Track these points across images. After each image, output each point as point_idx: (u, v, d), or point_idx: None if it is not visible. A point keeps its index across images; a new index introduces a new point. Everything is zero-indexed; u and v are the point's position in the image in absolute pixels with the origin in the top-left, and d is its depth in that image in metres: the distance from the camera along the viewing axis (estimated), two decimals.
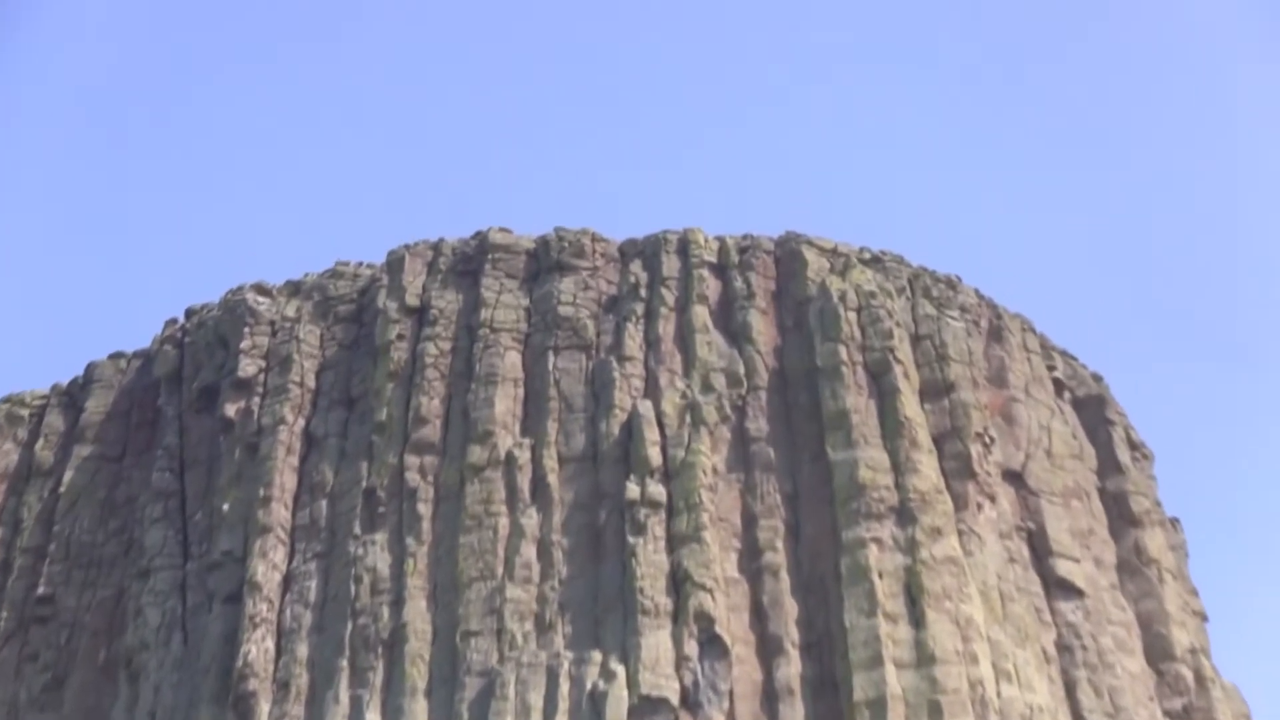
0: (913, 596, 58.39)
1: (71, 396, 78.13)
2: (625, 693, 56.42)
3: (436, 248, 74.08)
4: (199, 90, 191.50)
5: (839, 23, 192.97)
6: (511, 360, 67.97)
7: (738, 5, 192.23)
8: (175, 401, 74.05)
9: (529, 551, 61.51)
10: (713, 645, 58.06)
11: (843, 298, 67.48)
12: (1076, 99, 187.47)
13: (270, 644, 61.61)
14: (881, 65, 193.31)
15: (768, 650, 58.85)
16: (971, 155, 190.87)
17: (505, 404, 66.35)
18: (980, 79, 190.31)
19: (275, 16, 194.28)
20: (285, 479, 66.56)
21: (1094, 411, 74.94)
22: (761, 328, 68.23)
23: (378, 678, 59.45)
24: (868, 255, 73.07)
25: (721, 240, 72.41)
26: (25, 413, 77.43)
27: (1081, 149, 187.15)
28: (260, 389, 70.44)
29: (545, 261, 71.81)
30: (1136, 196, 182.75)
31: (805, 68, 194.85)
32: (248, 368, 70.97)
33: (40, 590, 69.39)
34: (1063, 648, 63.12)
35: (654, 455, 63.08)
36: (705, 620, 58.26)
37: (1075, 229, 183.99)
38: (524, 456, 64.23)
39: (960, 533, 61.43)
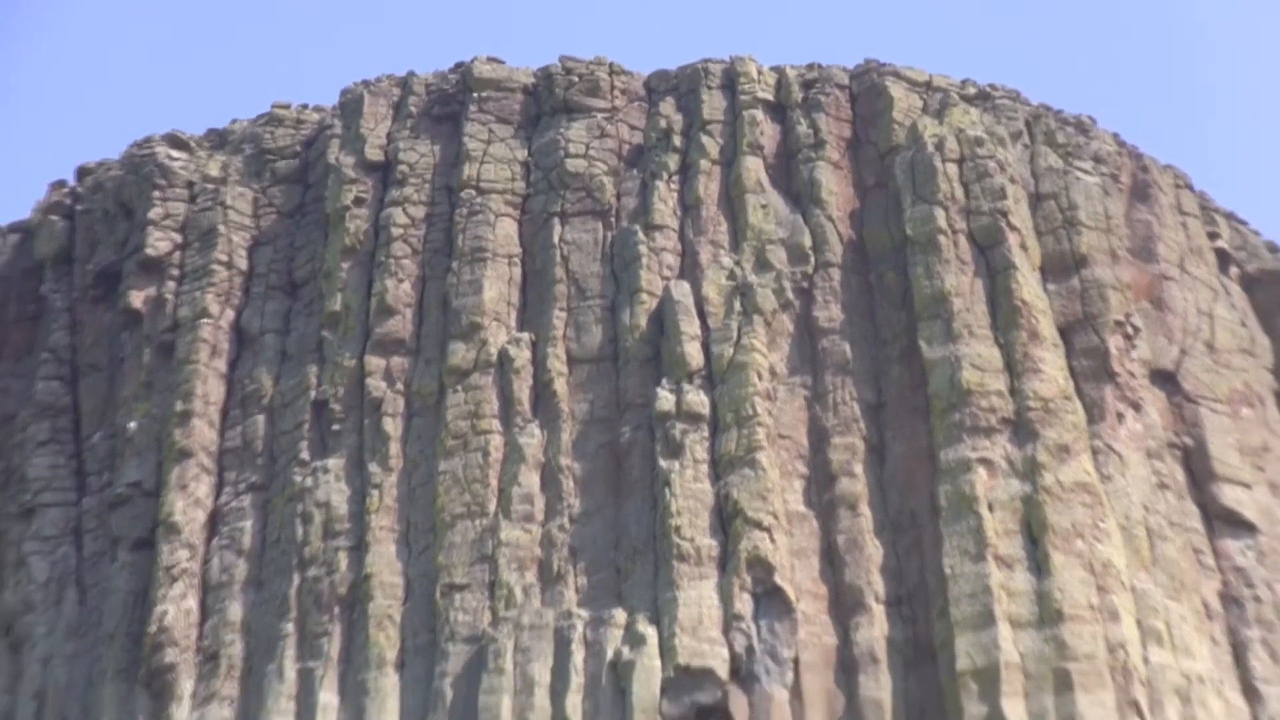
0: (1033, 535, 57.82)
1: None
2: (657, 662, 56.19)
3: (405, 85, 73.58)
4: None
5: None
6: (505, 230, 67.62)
7: None
8: (64, 288, 73.55)
9: (530, 480, 61.22)
10: (772, 600, 57.70)
11: (940, 146, 66.70)
12: None
13: (192, 603, 61.50)
14: None
15: (843, 607, 58.53)
16: None
17: (497, 288, 65.99)
18: None
19: None
20: (209, 388, 66.22)
21: (1270, 292, 74.23)
22: (834, 186, 67.60)
23: (333, 645, 59.35)
24: (973, 90, 72.39)
25: (780, 72, 71.71)
26: None
27: None
28: (175, 272, 69.90)
29: (548, 101, 71.28)
30: None
31: None
32: (159, 244, 70.37)
33: None
34: (1229, 599, 62.55)
35: (693, 353, 62.59)
36: (761, 568, 57.89)
37: (1242, 59, 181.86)
38: (522, 356, 63.92)
39: (1095, 451, 60.93)
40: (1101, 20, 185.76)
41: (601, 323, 64.82)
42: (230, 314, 68.46)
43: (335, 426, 64.11)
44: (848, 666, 57.24)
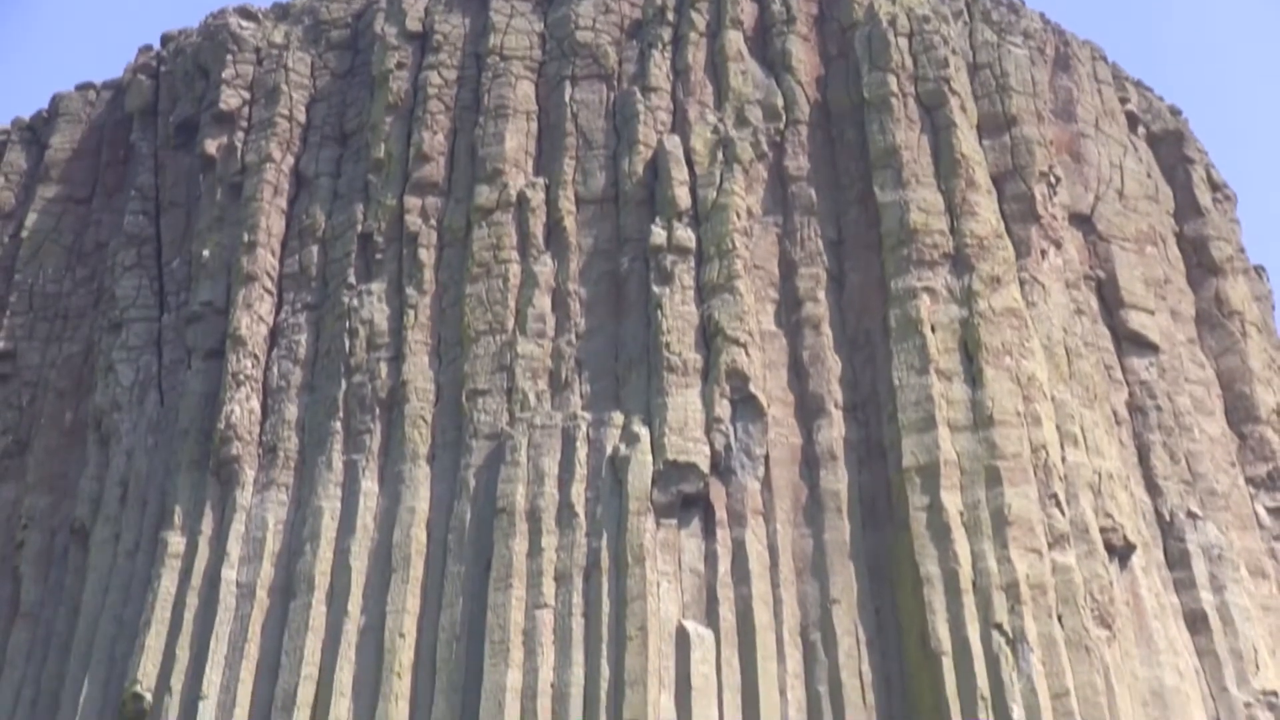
0: (969, 352, 55.48)
1: (34, 132, 75.75)
2: (649, 457, 53.92)
3: None
4: None
5: None
6: (524, 91, 64.75)
7: None
8: (150, 137, 71.33)
9: (543, 302, 58.88)
10: (747, 406, 55.46)
11: (893, 22, 63.83)
12: None
13: (255, 404, 59.47)
14: None
15: (808, 411, 56.16)
16: None
17: (517, 139, 63.28)
18: None
19: None
20: (272, 222, 63.93)
21: (1171, 149, 71.95)
22: (802, 56, 64.55)
23: (375, 441, 57.32)
24: None
25: None
26: None
27: None
28: (244, 123, 67.65)
29: None
30: None
31: None
32: (230, 100, 68.13)
33: None
34: (1135, 408, 60.94)
35: (682, 196, 60.03)
36: (738, 378, 55.65)
37: None
38: (537, 197, 61.34)
39: (1022, 282, 58.51)
40: None
41: (605, 170, 62.17)
42: (290, 160, 66.09)
43: (378, 256, 61.78)
44: (810, 462, 55.05)
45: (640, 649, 50.30)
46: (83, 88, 76.75)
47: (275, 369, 60.46)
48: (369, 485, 56.34)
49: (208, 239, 64.84)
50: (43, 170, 73.29)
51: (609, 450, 54.57)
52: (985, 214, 59.16)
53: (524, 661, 50.99)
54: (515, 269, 59.85)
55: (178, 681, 53.56)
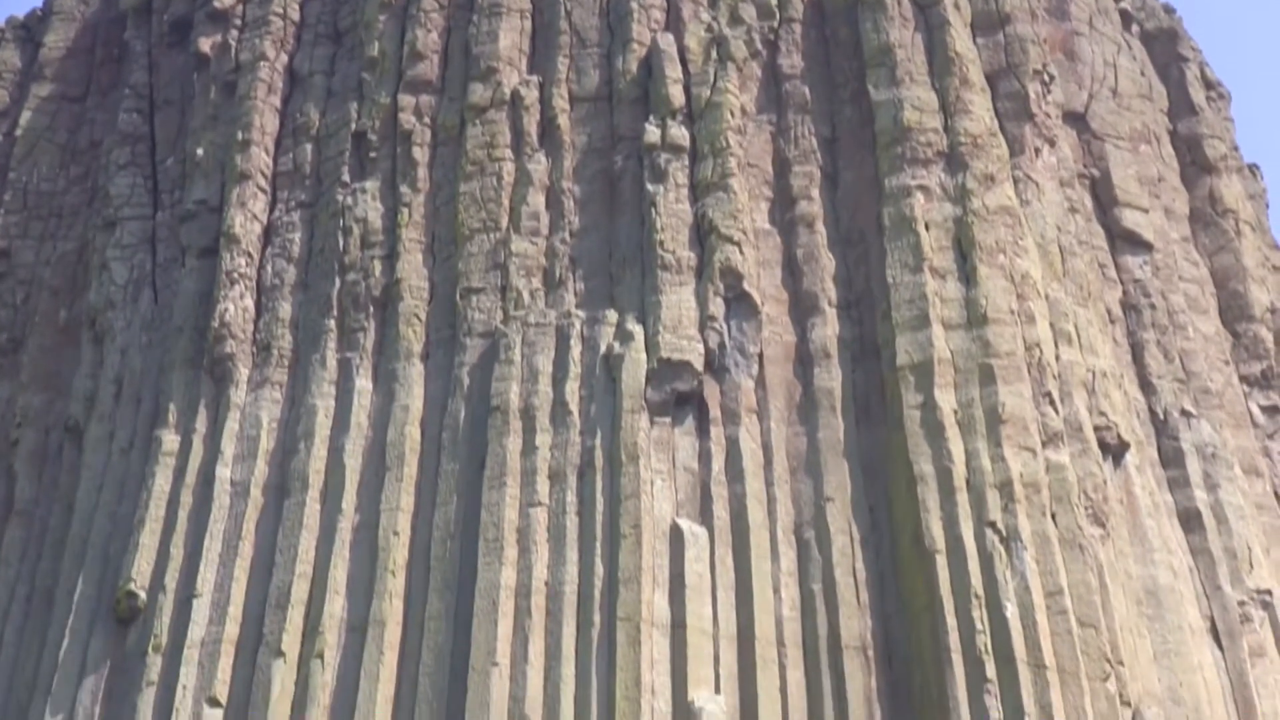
0: (963, 250, 54.03)
1: (28, 30, 74.18)
2: (643, 355, 52.64)
3: None
4: None
5: None
6: None
7: None
8: (144, 35, 69.44)
9: (537, 200, 57.30)
10: (741, 304, 54.11)
11: None
12: None
13: (249, 302, 58.01)
14: None
15: (801, 309, 54.80)
16: None
17: (511, 38, 61.58)
18: None
19: None
20: (266, 121, 62.24)
21: (1165, 47, 70.42)
22: None
23: (368, 339, 55.92)
24: None
25: None
26: None
27: None
28: (238, 21, 65.77)
29: None
30: None
31: None
32: None
33: None
34: (1129, 307, 59.71)
35: (676, 94, 58.46)
36: (732, 276, 54.24)
37: None
38: (531, 96, 59.72)
39: (1016, 180, 57.06)
40: None
41: (599, 68, 60.55)
42: (284, 58, 64.31)
43: (372, 154, 60.10)
44: (804, 360, 53.70)
45: (634, 547, 49.08)
46: None
47: (269, 267, 58.99)
48: (363, 383, 55.00)
49: (202, 137, 63.20)
50: (37, 69, 71.82)
51: (603, 348, 53.24)
52: (979, 112, 57.57)
53: (518, 559, 49.72)
54: (509, 167, 58.28)
55: (172, 579, 52.32)
